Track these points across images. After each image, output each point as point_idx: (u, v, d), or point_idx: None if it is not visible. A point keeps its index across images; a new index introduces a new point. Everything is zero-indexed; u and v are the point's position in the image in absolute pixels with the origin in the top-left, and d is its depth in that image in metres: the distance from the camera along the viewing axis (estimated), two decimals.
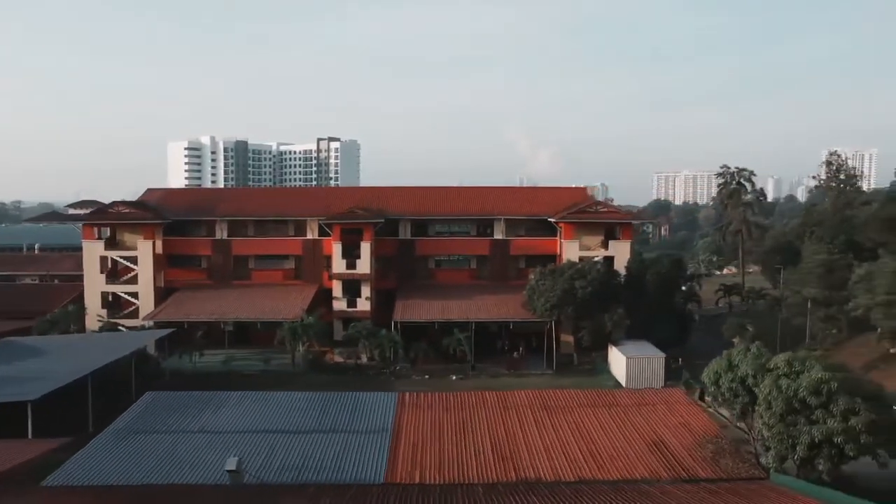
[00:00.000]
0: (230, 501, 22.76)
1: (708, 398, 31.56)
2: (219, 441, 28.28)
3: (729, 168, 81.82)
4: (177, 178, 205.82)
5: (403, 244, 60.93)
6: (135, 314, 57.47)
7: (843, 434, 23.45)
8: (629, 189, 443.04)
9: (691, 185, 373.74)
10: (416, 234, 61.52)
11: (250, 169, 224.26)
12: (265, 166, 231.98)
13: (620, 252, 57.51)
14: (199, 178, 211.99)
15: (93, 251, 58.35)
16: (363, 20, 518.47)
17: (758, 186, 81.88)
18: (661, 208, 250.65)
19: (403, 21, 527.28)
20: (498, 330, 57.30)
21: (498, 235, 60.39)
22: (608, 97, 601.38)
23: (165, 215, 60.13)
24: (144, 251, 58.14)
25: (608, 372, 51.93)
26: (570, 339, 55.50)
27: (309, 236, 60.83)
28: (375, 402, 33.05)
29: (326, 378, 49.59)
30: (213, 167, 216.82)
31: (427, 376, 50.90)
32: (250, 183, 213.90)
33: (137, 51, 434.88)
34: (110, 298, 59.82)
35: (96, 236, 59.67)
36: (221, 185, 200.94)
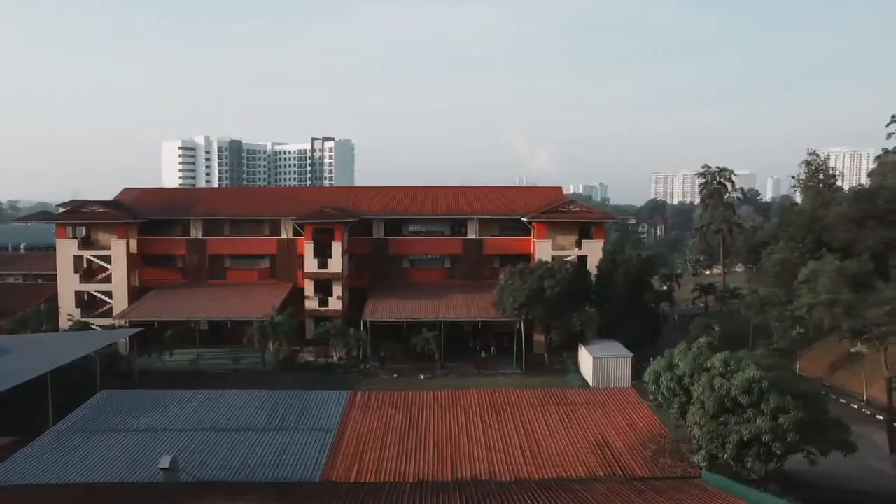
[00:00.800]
0: (155, 499, 22.86)
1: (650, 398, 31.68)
2: (162, 439, 28.39)
3: (710, 168, 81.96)
4: (171, 178, 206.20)
5: (377, 243, 61.12)
6: (109, 313, 57.66)
7: (771, 433, 23.59)
8: (627, 189, 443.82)
9: (689, 185, 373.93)
10: (391, 233, 61.72)
11: (244, 169, 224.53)
12: (259, 166, 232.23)
13: (593, 252, 57.60)
14: (194, 178, 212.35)
15: (66, 250, 58.58)
16: (361, 20, 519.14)
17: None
18: (656, 208, 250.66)
19: (402, 21, 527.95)
20: (471, 329, 57.46)
21: (471, 235, 60.55)
22: (608, 97, 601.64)
23: (140, 215, 60.37)
24: (118, 250, 58.34)
25: (577, 372, 52.10)
26: (542, 338, 55.68)
27: (283, 236, 61.01)
28: (326, 400, 33.17)
29: (295, 377, 49.69)
30: (207, 167, 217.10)
31: (395, 375, 51.06)
32: (245, 182, 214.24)
33: (136, 51, 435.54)
34: (86, 298, 60.08)
35: (71, 236, 59.85)
36: (216, 184, 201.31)
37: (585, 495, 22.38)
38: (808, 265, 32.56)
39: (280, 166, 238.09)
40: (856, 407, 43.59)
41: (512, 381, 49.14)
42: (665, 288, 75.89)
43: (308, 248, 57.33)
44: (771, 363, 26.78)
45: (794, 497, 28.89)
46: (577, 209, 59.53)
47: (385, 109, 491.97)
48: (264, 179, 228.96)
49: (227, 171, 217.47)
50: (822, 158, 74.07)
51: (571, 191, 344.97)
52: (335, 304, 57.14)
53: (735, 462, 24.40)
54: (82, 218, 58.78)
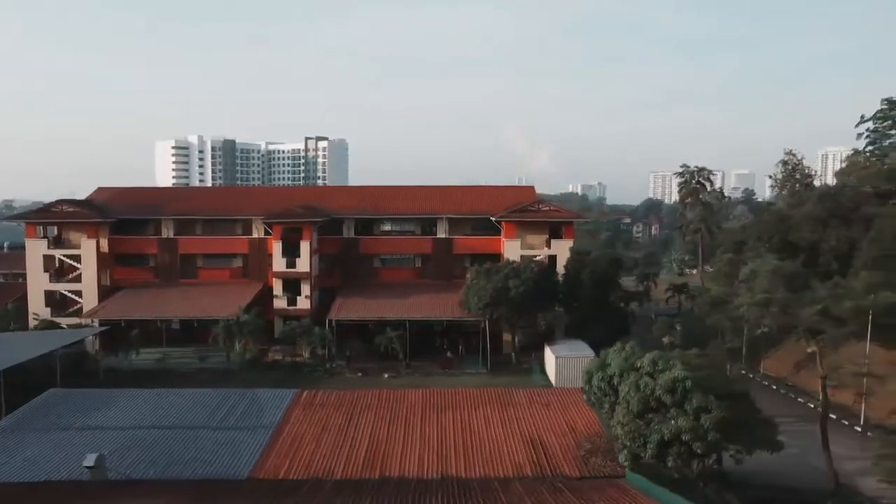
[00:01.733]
0: (74, 498, 22.98)
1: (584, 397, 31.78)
2: (100, 438, 28.49)
3: (689, 167, 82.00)
4: (165, 178, 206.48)
5: (347, 243, 61.26)
6: (80, 313, 57.82)
7: (691, 432, 23.67)
8: (626, 188, 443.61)
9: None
10: (362, 233, 61.85)
11: (238, 168, 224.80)
12: (253, 165, 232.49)
13: (562, 251, 57.64)
14: (187, 178, 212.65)
15: (36, 250, 58.78)
16: (360, 20, 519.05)
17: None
18: (652, 207, 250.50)
19: (401, 21, 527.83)
20: (441, 329, 57.63)
21: (441, 234, 60.65)
22: (608, 97, 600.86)
23: (112, 214, 60.57)
24: (88, 250, 58.52)
25: (543, 372, 52.16)
26: (511, 338, 55.75)
27: (255, 235, 61.17)
28: (270, 399, 33.37)
29: (260, 375, 49.74)
30: (200, 166, 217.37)
31: (360, 374, 51.16)
32: (238, 182, 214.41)
33: (134, 50, 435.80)
34: (58, 297, 60.30)
35: (41, 235, 60.07)
36: (209, 184, 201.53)
37: (500, 494, 22.49)
38: (748, 265, 32.71)
39: (274, 166, 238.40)
40: (812, 406, 43.71)
41: (476, 380, 49.13)
42: (642, 287, 76.15)
43: (276, 248, 57.52)
44: (701, 363, 26.83)
45: (731, 496, 29.17)
46: (547, 209, 59.54)
47: (383, 109, 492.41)
48: (258, 179, 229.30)
49: (220, 171, 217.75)
50: (799, 158, 74.04)
51: (570, 190, 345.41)
52: (303, 303, 57.29)
53: (657, 461, 24.46)
54: (51, 217, 58.96)
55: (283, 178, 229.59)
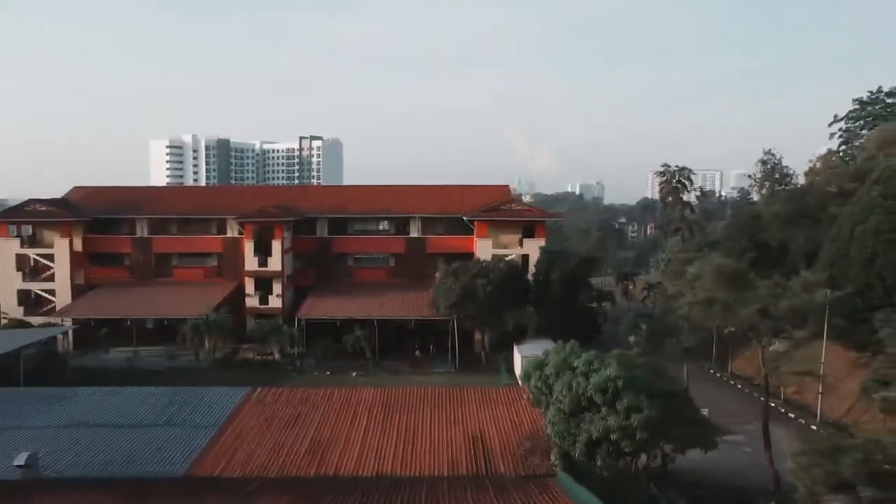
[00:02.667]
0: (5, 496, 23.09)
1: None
2: (40, 436, 28.51)
3: (669, 167, 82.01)
4: (159, 177, 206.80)
5: (320, 242, 61.40)
6: (53, 312, 58.02)
7: (620, 431, 23.72)
8: (625, 188, 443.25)
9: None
10: (336, 232, 61.96)
11: (232, 167, 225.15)
12: (248, 165, 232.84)
13: (534, 251, 57.73)
14: (182, 177, 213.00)
15: (8, 249, 58.94)
16: (359, 19, 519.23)
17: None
18: (647, 207, 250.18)
19: (400, 20, 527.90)
20: (414, 329, 57.76)
21: (414, 233, 60.75)
22: (608, 96, 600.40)
23: (86, 213, 60.77)
24: (61, 249, 58.74)
25: (511, 370, 52.18)
26: (482, 338, 55.88)
27: (229, 234, 61.32)
28: (221, 397, 33.51)
29: (229, 374, 49.89)
30: (194, 166, 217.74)
31: (329, 373, 51.25)
32: (232, 181, 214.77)
33: (130, 49, 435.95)
34: (33, 297, 60.55)
35: (16, 234, 60.26)
36: (203, 183, 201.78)
37: (422, 493, 22.58)
38: (694, 264, 32.76)
39: (269, 165, 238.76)
40: (773, 405, 43.83)
41: (444, 379, 49.20)
42: (621, 287, 76.26)
43: (248, 247, 57.68)
44: (639, 362, 26.89)
45: (675, 493, 29.29)
46: (519, 208, 59.66)
47: (381, 109, 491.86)
48: (253, 178, 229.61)
49: (214, 170, 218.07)
50: (778, 158, 74.05)
51: (569, 190, 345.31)
52: (275, 301, 57.44)
53: (588, 460, 24.54)
54: (23, 216, 59.15)
55: (278, 178, 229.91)
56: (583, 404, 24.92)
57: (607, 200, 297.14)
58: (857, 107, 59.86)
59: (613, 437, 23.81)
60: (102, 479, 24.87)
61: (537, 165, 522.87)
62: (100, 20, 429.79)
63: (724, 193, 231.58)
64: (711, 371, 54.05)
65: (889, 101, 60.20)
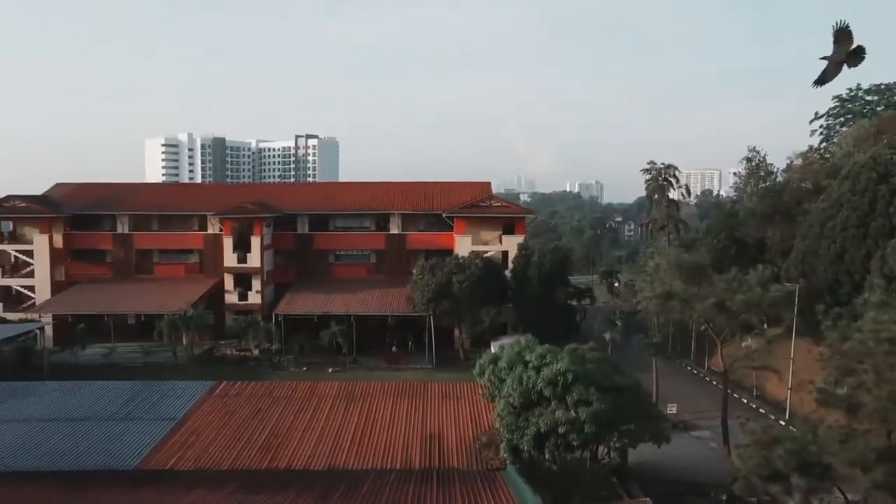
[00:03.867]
0: None
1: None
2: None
3: (655, 164, 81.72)
4: (154, 175, 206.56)
5: (301, 239, 61.37)
6: (32, 308, 58.07)
7: (568, 424, 23.71)
8: (623, 188, 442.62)
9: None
10: (317, 229, 61.92)
11: (228, 166, 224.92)
12: (243, 163, 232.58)
13: (513, 247, 57.70)
14: (177, 175, 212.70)
15: None
16: (359, 19, 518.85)
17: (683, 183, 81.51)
18: (643, 206, 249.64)
19: (400, 19, 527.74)
20: (393, 325, 57.77)
21: (394, 230, 60.74)
22: (607, 96, 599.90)
23: (68, 210, 60.79)
24: (40, 245, 58.73)
25: None
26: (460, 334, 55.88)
27: (210, 231, 61.31)
28: (184, 391, 33.60)
29: (205, 370, 49.72)
30: (190, 164, 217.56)
31: (305, 368, 51.27)
32: (228, 179, 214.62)
33: (126, 47, 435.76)
34: (14, 293, 60.63)
35: None
36: (199, 181, 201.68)
37: (365, 484, 22.61)
38: (654, 258, 32.75)
39: (264, 164, 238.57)
40: (746, 401, 44.02)
41: (420, 375, 49.21)
42: (605, 283, 76.26)
43: (227, 243, 57.70)
44: (592, 357, 26.88)
45: (633, 485, 29.33)
46: (499, 204, 59.63)
47: (380, 108, 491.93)
48: (248, 177, 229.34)
49: (210, 169, 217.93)
50: (762, 156, 73.91)
51: (567, 189, 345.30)
52: (255, 297, 57.46)
53: (536, 453, 24.55)
54: (2, 212, 59.14)
55: (274, 176, 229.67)
56: (533, 398, 24.92)
57: (606, 200, 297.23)
58: (836, 104, 59.73)
59: (561, 430, 23.80)
60: (46, 472, 24.86)
61: (537, 165, 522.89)
62: (100, 18, 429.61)
63: (722, 193, 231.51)
64: (689, 368, 54.06)
65: (868, 98, 60.17)
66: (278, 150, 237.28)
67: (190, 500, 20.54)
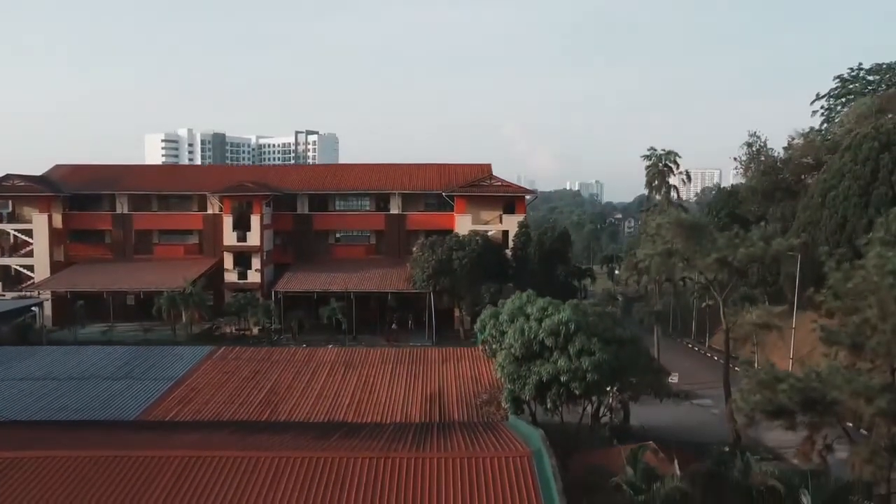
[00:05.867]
0: None
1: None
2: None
3: (655, 150, 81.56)
4: None
5: (300, 219, 61.23)
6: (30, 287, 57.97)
7: (570, 372, 23.57)
8: (623, 188, 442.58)
9: (682, 181, 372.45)
10: (317, 209, 61.80)
11: (228, 161, 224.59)
12: (243, 159, 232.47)
13: (513, 227, 57.59)
14: None
15: None
16: (359, 18, 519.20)
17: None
18: (643, 203, 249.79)
19: (400, 18, 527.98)
20: (393, 304, 57.69)
21: (394, 210, 60.59)
22: (607, 96, 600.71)
23: (65, 190, 60.64)
24: (39, 224, 58.63)
25: None
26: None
27: (210, 211, 61.16)
28: (184, 354, 33.48)
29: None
30: (190, 160, 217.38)
31: (305, 346, 50.99)
32: None
33: (125, 46, 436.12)
34: (13, 273, 60.53)
35: None
36: None
37: (362, 432, 22.41)
38: (656, 219, 32.68)
39: (264, 159, 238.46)
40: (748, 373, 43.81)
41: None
42: (606, 269, 76.19)
43: (227, 222, 57.58)
44: (594, 310, 26.76)
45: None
46: (499, 184, 59.53)
47: (380, 107, 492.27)
48: None
49: (209, 164, 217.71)
50: (763, 140, 73.76)
51: (568, 187, 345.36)
52: (254, 276, 57.31)
53: (536, 402, 24.42)
54: (1, 191, 59.01)
55: None
56: (534, 349, 24.76)
57: (606, 199, 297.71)
58: (838, 84, 59.61)
59: (563, 378, 23.64)
60: (45, 421, 24.69)
61: (537, 164, 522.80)
62: (99, 15, 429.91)
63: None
64: (689, 345, 54.04)
65: (870, 78, 59.99)
66: (278, 145, 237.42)
67: (192, 439, 20.36)
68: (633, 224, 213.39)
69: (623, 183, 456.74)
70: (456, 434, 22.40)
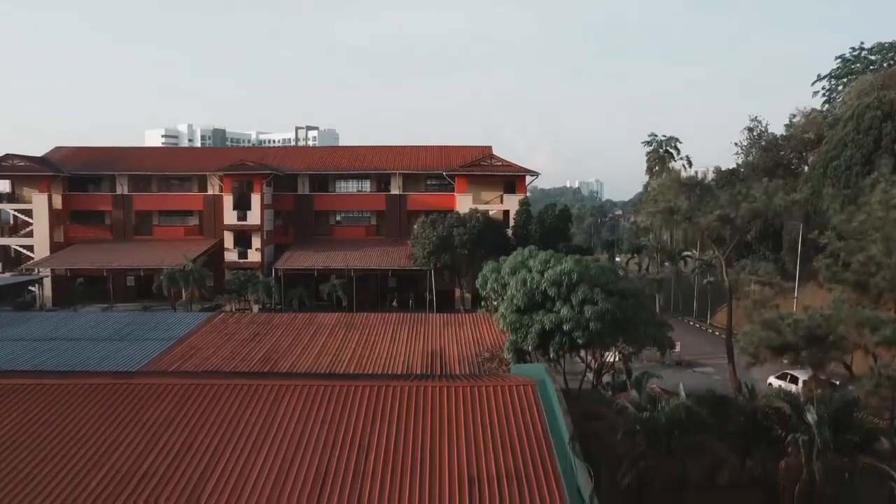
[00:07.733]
0: None
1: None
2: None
3: (656, 136, 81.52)
4: None
5: (301, 200, 61.13)
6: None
7: (573, 321, 23.36)
8: (623, 187, 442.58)
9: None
10: (318, 190, 61.69)
11: None
12: None
13: (513, 206, 57.48)
14: None
15: None
16: (360, 17, 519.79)
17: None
18: (642, 200, 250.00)
19: (400, 18, 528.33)
20: (395, 284, 57.64)
21: (395, 190, 60.47)
22: (607, 95, 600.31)
23: (66, 171, 60.50)
24: (39, 205, 58.49)
25: None
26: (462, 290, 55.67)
27: (210, 192, 61.03)
28: (183, 318, 33.44)
29: None
30: None
31: None
32: None
33: (126, 44, 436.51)
34: (13, 254, 60.41)
35: None
36: None
37: (354, 384, 22.25)
38: (656, 181, 32.55)
39: None
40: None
41: None
42: (606, 253, 75.99)
43: (227, 201, 57.45)
44: (596, 264, 26.58)
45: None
46: (500, 164, 59.40)
47: (381, 106, 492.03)
48: None
49: None
50: (764, 125, 73.62)
51: (567, 186, 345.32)
52: (254, 255, 57.17)
53: (537, 352, 24.24)
54: (1, 171, 58.89)
55: None
56: (537, 299, 24.55)
57: (605, 197, 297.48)
58: (839, 64, 59.39)
59: (566, 327, 23.43)
60: (40, 370, 24.57)
61: (537, 164, 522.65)
62: (98, 12, 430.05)
63: None
64: (692, 323, 53.86)
65: (872, 57, 59.81)
66: (278, 141, 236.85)
67: (194, 382, 20.20)
68: (632, 220, 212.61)
69: (623, 182, 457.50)
70: (454, 382, 22.28)
